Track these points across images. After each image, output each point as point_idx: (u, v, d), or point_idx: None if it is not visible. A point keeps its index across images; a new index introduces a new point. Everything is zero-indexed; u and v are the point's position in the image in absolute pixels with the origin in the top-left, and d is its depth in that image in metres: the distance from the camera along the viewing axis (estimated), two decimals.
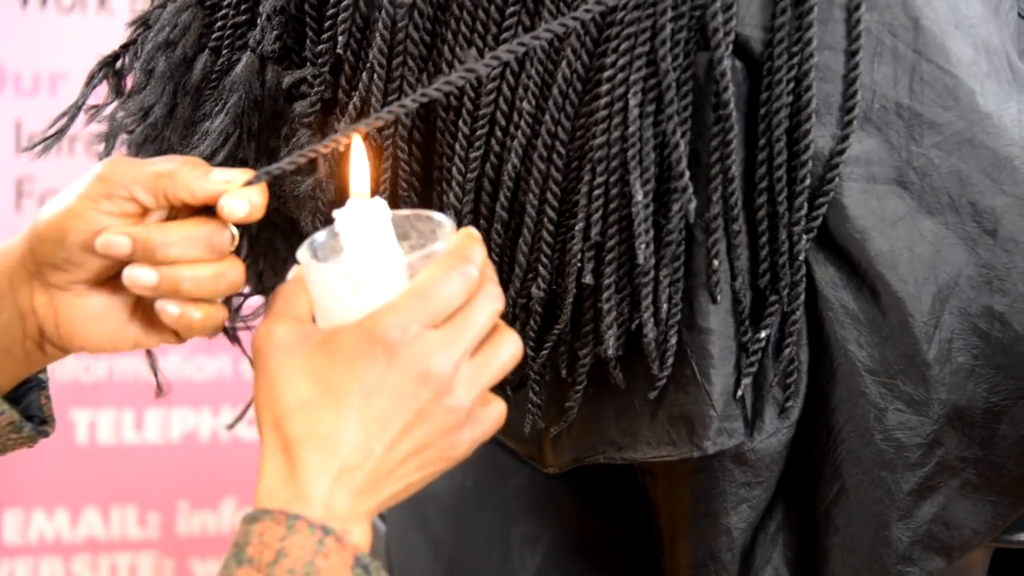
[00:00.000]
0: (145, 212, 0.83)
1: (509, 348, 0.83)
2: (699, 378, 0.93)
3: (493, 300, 0.82)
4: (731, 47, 0.88)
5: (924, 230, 0.92)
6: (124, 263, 0.83)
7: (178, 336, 0.87)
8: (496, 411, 0.83)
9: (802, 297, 0.93)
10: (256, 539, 0.77)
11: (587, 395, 0.98)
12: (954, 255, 0.92)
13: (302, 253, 0.82)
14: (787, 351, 0.94)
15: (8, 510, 2.34)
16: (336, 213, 0.81)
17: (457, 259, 0.81)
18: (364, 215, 0.81)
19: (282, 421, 0.79)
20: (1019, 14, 0.99)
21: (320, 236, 0.82)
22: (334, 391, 0.79)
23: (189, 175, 0.82)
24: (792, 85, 0.90)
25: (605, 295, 0.92)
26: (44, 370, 0.92)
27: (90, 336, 0.86)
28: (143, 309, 0.87)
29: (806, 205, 0.91)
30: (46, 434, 0.92)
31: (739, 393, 0.94)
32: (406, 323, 0.79)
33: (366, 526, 0.80)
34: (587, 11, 0.85)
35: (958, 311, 0.92)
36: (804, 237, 0.92)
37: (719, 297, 0.92)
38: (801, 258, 0.92)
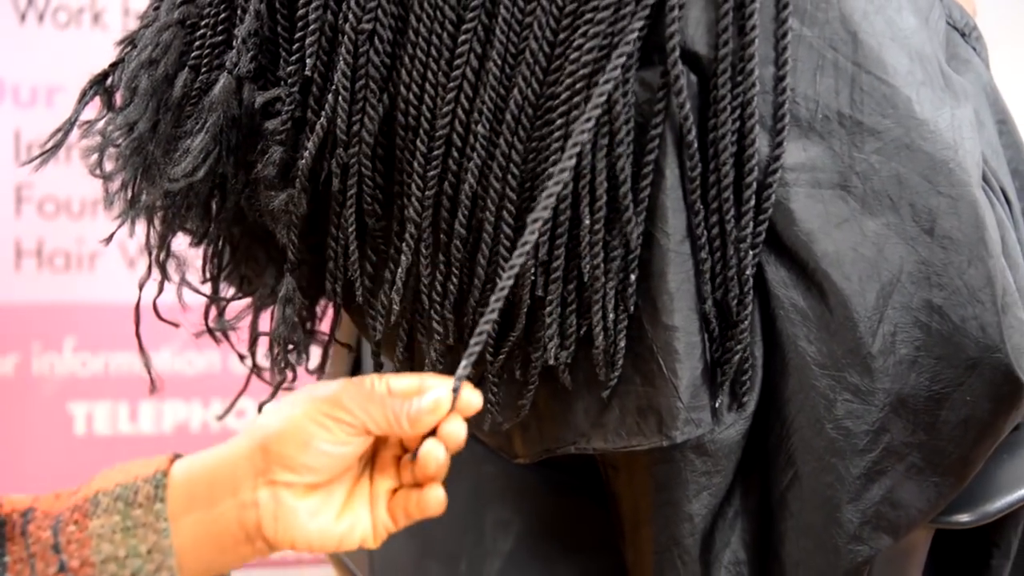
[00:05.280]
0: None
1: None
2: (666, 372, 0.94)
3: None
4: (681, 77, 0.90)
5: (867, 231, 0.94)
6: (351, 469, 0.91)
7: (375, 534, 0.93)
8: None
9: (751, 307, 0.95)
10: None
11: (558, 389, 1.00)
12: (895, 253, 0.94)
13: None
14: (738, 356, 0.96)
15: None
16: None
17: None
18: None
19: None
20: (947, 22, 1.02)
21: None
22: None
23: (405, 412, 0.90)
24: (738, 111, 0.92)
25: (548, 309, 0.95)
26: None
27: (304, 530, 0.89)
28: (350, 509, 0.92)
29: (752, 223, 0.94)
30: None
31: (717, 404, 0.96)
32: None
33: None
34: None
35: (900, 306, 0.94)
36: (751, 253, 0.94)
37: (680, 296, 0.94)
38: (748, 272, 0.94)
